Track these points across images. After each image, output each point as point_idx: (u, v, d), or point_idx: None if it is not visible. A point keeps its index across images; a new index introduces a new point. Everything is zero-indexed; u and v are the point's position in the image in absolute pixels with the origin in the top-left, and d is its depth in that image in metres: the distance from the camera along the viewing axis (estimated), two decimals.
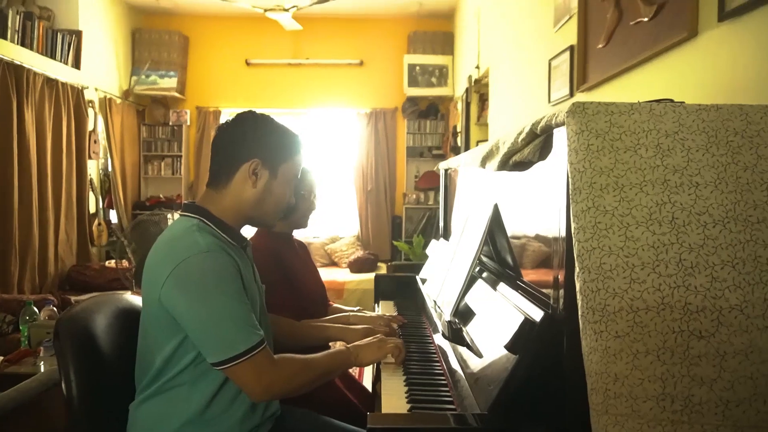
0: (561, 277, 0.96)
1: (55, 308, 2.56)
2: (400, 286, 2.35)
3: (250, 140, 1.23)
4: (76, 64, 4.87)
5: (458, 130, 5.23)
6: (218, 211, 1.22)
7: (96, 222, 5.18)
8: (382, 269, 5.49)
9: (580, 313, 0.83)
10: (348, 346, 1.35)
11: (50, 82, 4.49)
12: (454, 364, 1.32)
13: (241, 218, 1.26)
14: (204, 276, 1.09)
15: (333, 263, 5.98)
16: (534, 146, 1.01)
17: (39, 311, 2.46)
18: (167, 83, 5.95)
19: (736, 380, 0.79)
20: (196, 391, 1.15)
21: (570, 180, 0.86)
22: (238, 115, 1.26)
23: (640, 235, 0.83)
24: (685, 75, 1.49)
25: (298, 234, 1.89)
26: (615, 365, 0.80)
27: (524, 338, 0.97)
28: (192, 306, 1.09)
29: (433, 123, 6.21)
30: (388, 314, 1.85)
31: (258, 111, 1.29)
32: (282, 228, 1.75)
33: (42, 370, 1.94)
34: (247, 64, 6.22)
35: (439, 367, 1.42)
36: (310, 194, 1.77)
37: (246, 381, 1.11)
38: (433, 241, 2.29)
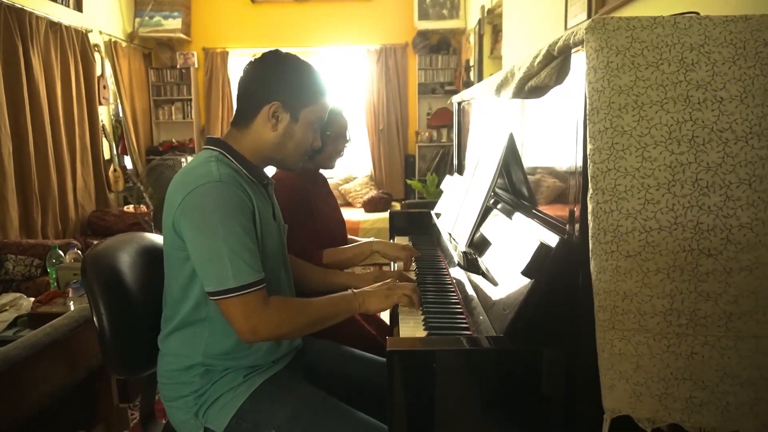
0: (577, 211, 0.95)
1: (79, 251, 2.63)
2: (415, 221, 2.36)
3: (271, 82, 1.19)
4: (78, 6, 4.76)
5: (471, 64, 5.09)
6: (239, 148, 1.22)
7: (111, 168, 5.23)
8: (396, 208, 5.51)
9: (591, 234, 0.85)
10: (355, 291, 1.27)
11: (54, 26, 4.41)
12: (470, 294, 1.34)
13: (261, 159, 1.25)
14: (209, 205, 1.09)
15: (347, 203, 6.01)
16: (551, 69, 0.98)
17: (64, 255, 2.53)
18: (172, 24, 5.81)
19: (740, 294, 0.82)
20: (221, 328, 1.16)
21: (587, 100, 0.84)
22: (264, 55, 1.23)
23: (658, 155, 0.82)
24: None
25: None
26: (624, 283, 0.83)
27: (540, 262, 0.98)
28: (194, 233, 1.09)
29: (444, 58, 6.03)
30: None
31: (284, 50, 1.23)
32: (307, 166, 1.75)
33: (72, 309, 2.02)
34: (253, 2, 6.02)
35: (455, 297, 1.45)
36: (338, 136, 1.74)
37: (234, 318, 1.09)
38: (447, 176, 2.28)
